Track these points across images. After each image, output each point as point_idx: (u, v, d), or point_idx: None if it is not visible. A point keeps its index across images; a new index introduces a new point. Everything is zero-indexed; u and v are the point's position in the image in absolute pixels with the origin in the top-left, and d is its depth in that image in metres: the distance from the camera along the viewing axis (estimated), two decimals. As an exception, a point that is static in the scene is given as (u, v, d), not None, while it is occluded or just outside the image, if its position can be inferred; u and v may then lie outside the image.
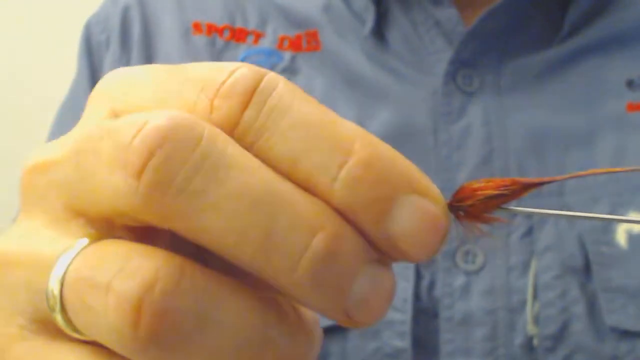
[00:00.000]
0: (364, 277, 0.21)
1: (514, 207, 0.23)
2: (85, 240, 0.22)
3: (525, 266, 0.48)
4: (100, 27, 0.59)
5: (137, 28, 0.57)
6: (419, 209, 0.21)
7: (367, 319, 0.22)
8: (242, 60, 0.55)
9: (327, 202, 0.21)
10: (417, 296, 0.47)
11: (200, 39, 0.56)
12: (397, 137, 0.51)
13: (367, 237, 0.22)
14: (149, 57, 0.57)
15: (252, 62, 0.55)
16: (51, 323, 0.22)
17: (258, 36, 0.56)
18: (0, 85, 1.41)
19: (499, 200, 0.23)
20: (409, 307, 0.47)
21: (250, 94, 0.22)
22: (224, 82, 0.22)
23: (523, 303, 0.47)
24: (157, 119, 0.21)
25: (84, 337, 0.22)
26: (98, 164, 0.22)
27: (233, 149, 0.21)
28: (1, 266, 0.24)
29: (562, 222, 0.48)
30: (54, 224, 0.23)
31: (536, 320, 0.46)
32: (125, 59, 0.57)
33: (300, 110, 0.22)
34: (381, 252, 0.22)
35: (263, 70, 0.22)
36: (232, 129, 0.22)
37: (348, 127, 0.22)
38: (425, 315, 0.47)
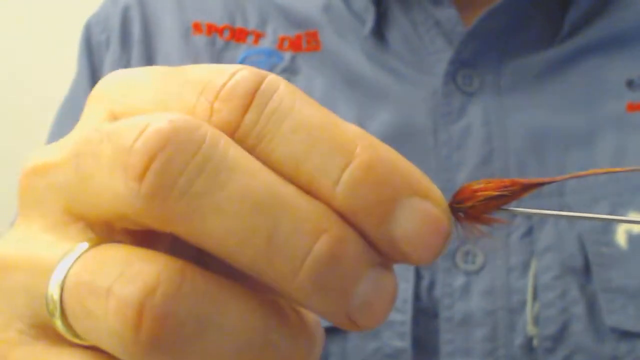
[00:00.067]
0: (366, 281, 0.21)
1: (514, 207, 0.23)
2: (85, 245, 0.22)
3: (525, 266, 0.48)
4: (101, 27, 0.59)
5: (137, 28, 0.57)
6: (421, 211, 0.21)
7: (370, 322, 0.22)
8: (242, 60, 0.55)
9: (329, 205, 0.21)
10: (417, 296, 0.47)
11: (200, 39, 0.56)
12: (397, 137, 0.51)
13: (369, 239, 0.22)
14: (149, 57, 0.57)
15: (252, 62, 0.55)
16: (51, 328, 0.22)
17: (258, 36, 0.56)
18: (0, 85, 1.41)
19: (499, 201, 0.23)
20: (409, 307, 0.47)
21: (251, 97, 0.22)
22: (224, 85, 0.22)
23: (523, 303, 0.47)
24: (159, 122, 0.21)
25: (84, 342, 0.22)
26: (98, 167, 0.21)
27: (235, 152, 0.21)
28: (0, 271, 0.23)
29: (562, 223, 0.48)
30: (53, 227, 0.23)
31: (536, 320, 0.46)
32: (125, 59, 0.57)
33: (301, 112, 0.22)
34: (383, 255, 0.22)
35: (263, 72, 0.22)
36: (233, 132, 0.22)
37: (349, 130, 0.22)
38: (425, 315, 0.47)
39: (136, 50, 0.57)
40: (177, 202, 0.20)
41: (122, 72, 0.25)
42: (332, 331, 0.45)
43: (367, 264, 0.21)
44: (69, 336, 0.22)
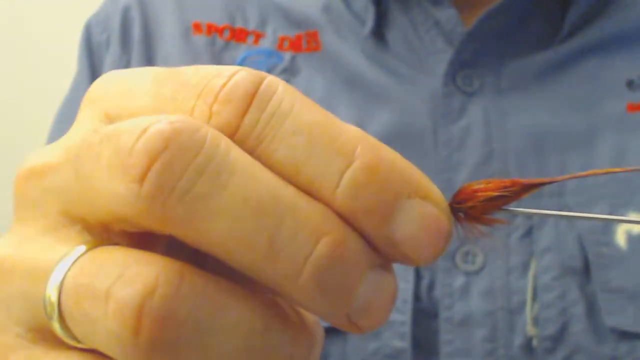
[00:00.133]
0: (367, 282, 0.21)
1: (514, 208, 0.23)
2: (83, 247, 0.22)
3: (525, 267, 0.48)
4: (101, 27, 0.59)
5: (137, 28, 0.57)
6: (422, 212, 0.21)
7: (371, 324, 0.22)
8: (242, 60, 0.55)
9: (330, 206, 0.21)
10: (417, 297, 0.47)
11: (200, 39, 0.56)
12: (397, 138, 0.51)
13: (369, 240, 0.22)
14: (149, 58, 0.57)
15: (252, 62, 0.55)
16: (49, 331, 0.22)
17: (258, 36, 0.56)
18: (0, 85, 1.41)
19: (499, 201, 0.23)
20: (408, 307, 0.47)
21: (250, 99, 0.22)
22: (222, 87, 0.22)
23: (523, 304, 0.47)
24: (159, 123, 0.20)
25: (82, 345, 0.22)
26: (98, 169, 0.21)
27: (236, 153, 0.21)
28: None
29: (561, 223, 0.48)
30: (50, 230, 0.23)
31: (536, 321, 0.46)
32: (125, 59, 0.57)
33: (300, 114, 0.21)
34: (383, 255, 0.22)
35: (262, 73, 0.22)
36: (232, 134, 0.21)
37: (349, 131, 0.22)
38: (425, 315, 0.47)
39: (136, 51, 0.57)
40: (178, 204, 0.20)
41: (116, 74, 0.25)
42: (331, 331, 0.45)
43: (368, 266, 0.21)
44: (67, 339, 0.22)
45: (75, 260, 0.21)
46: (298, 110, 0.22)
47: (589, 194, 0.49)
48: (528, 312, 0.46)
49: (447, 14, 0.53)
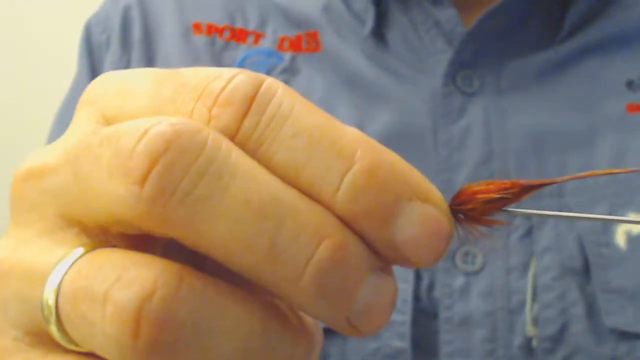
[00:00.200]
0: (367, 286, 0.21)
1: (513, 208, 0.23)
2: (80, 250, 0.22)
3: (525, 267, 0.48)
4: (101, 27, 0.59)
5: (137, 28, 0.57)
6: (422, 215, 0.21)
7: (371, 327, 0.22)
8: (242, 60, 0.55)
9: (330, 209, 0.21)
10: (416, 297, 0.47)
11: (200, 39, 0.56)
12: (397, 138, 0.51)
13: (370, 243, 0.22)
14: (149, 58, 0.57)
15: (252, 63, 0.55)
16: (46, 335, 0.22)
17: (258, 36, 0.56)
18: (0, 86, 1.41)
19: (499, 203, 0.23)
20: (408, 307, 0.47)
21: (250, 102, 0.21)
22: (222, 91, 0.22)
23: (522, 304, 0.47)
24: (160, 125, 0.20)
25: (80, 349, 0.22)
26: (97, 171, 0.21)
27: (237, 155, 0.21)
28: None
29: (561, 223, 0.48)
30: (48, 233, 0.23)
31: (535, 321, 0.46)
32: (125, 59, 0.57)
33: (300, 116, 0.21)
34: (383, 258, 0.22)
35: (261, 75, 0.22)
36: (232, 137, 0.21)
37: (349, 133, 0.22)
38: (424, 316, 0.47)
39: (136, 51, 0.57)
40: (179, 206, 0.20)
41: (113, 75, 0.25)
42: (331, 332, 0.45)
43: (368, 269, 0.21)
44: (64, 343, 0.22)
45: (73, 263, 0.21)
46: (298, 113, 0.21)
47: (589, 195, 0.49)
48: (528, 313, 0.46)
49: (447, 14, 0.53)
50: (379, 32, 0.55)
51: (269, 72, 0.55)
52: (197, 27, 0.57)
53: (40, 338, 0.22)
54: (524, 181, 0.23)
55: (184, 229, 0.20)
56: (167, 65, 0.56)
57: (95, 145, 0.21)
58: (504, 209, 0.23)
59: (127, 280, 0.20)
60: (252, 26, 0.56)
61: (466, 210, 0.23)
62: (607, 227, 0.47)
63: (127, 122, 0.22)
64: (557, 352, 0.45)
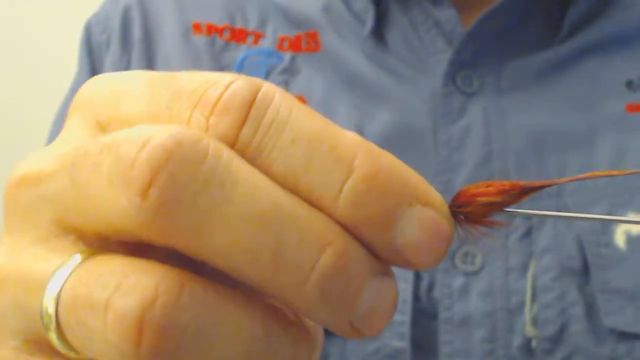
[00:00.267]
0: (369, 290, 0.21)
1: (513, 209, 0.23)
2: (79, 257, 0.21)
3: (524, 267, 0.48)
4: (101, 27, 0.59)
5: (137, 28, 0.57)
6: (423, 219, 0.21)
7: (373, 330, 0.22)
8: (242, 60, 0.55)
9: (331, 216, 0.21)
10: (416, 297, 0.47)
11: (200, 39, 0.56)
12: (397, 138, 0.51)
13: (371, 248, 0.22)
14: (149, 58, 0.57)
15: (252, 63, 0.55)
16: (46, 342, 0.22)
17: (258, 37, 0.56)
18: (0, 85, 1.41)
19: (498, 205, 0.23)
20: (408, 308, 0.47)
21: (247, 109, 0.21)
22: (219, 98, 0.22)
23: (522, 304, 0.47)
24: (161, 135, 0.20)
25: (81, 357, 0.22)
26: (96, 179, 0.21)
27: (238, 164, 0.21)
28: None
29: (560, 224, 0.48)
30: (44, 240, 0.22)
31: (535, 321, 0.46)
32: (125, 60, 0.57)
33: (298, 123, 0.21)
34: (384, 261, 0.22)
35: (258, 81, 0.22)
36: (231, 146, 0.21)
37: (347, 138, 0.21)
38: (424, 316, 0.47)
39: (136, 51, 0.57)
40: (182, 218, 0.20)
41: (105, 78, 0.24)
42: (331, 332, 0.45)
43: (370, 273, 0.21)
44: (64, 350, 0.22)
45: (72, 271, 0.21)
46: (296, 118, 0.21)
47: (588, 195, 0.49)
48: (527, 313, 0.47)
49: (446, 14, 0.53)
50: (378, 32, 0.55)
51: (269, 72, 0.55)
52: (197, 27, 0.57)
53: (39, 346, 0.22)
54: (523, 183, 0.23)
55: (186, 240, 0.20)
56: (167, 65, 0.56)
57: (93, 153, 0.21)
58: (503, 209, 0.23)
59: (127, 288, 0.20)
60: (252, 26, 0.56)
61: (466, 213, 0.23)
62: (607, 227, 0.47)
63: (125, 129, 0.21)
64: (556, 353, 0.46)
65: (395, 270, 0.23)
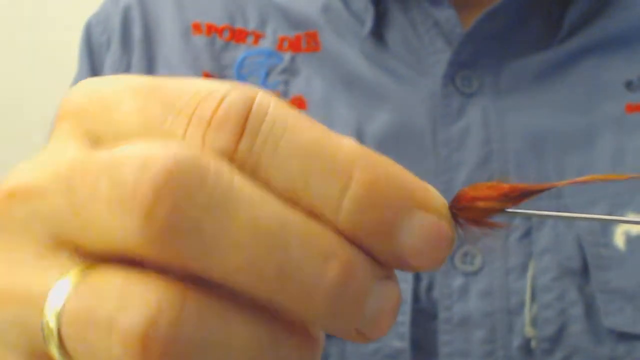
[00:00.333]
0: (374, 295, 0.21)
1: (513, 209, 0.23)
2: (77, 271, 0.21)
3: (524, 268, 0.48)
4: (101, 27, 0.59)
5: (137, 28, 0.57)
6: (424, 225, 0.21)
7: (378, 332, 0.22)
8: (242, 60, 0.55)
9: (334, 227, 0.21)
10: (416, 297, 0.48)
11: (200, 40, 0.56)
12: (396, 138, 0.51)
13: (373, 254, 0.22)
14: (149, 58, 0.57)
15: (252, 63, 0.55)
16: (46, 356, 0.22)
17: (258, 37, 0.56)
18: (0, 85, 1.41)
19: (499, 209, 0.23)
20: (408, 308, 0.47)
21: (243, 124, 0.21)
22: (214, 113, 0.21)
23: (521, 305, 0.47)
24: (161, 156, 0.20)
25: None
26: (96, 204, 0.21)
27: (239, 182, 0.20)
28: None
29: (560, 224, 0.48)
30: (40, 255, 0.22)
31: (534, 322, 0.46)
32: (126, 60, 0.57)
33: (294, 134, 0.21)
34: (386, 265, 0.22)
35: (251, 91, 0.22)
36: (229, 162, 0.21)
37: (345, 147, 0.21)
38: (424, 316, 0.47)
39: (137, 51, 0.57)
40: (186, 241, 0.20)
41: (93, 86, 0.24)
42: (330, 332, 0.45)
43: (374, 279, 0.21)
44: None
45: (72, 286, 0.21)
46: (291, 130, 0.21)
47: (588, 195, 0.49)
48: (527, 313, 0.47)
49: (446, 14, 0.53)
50: (378, 32, 0.55)
51: (268, 73, 0.55)
52: (197, 27, 0.57)
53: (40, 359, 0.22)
54: (523, 186, 0.23)
55: (191, 262, 0.20)
56: (168, 65, 0.56)
57: (91, 174, 0.21)
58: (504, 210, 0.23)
59: (130, 304, 0.20)
60: (251, 26, 0.56)
61: (466, 215, 0.23)
62: (606, 227, 0.47)
63: (120, 147, 0.21)
64: (555, 353, 0.46)
65: (395, 270, 0.23)
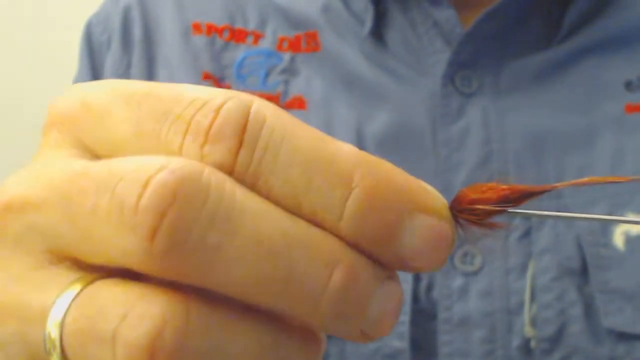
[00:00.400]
0: (377, 296, 0.22)
1: (513, 209, 0.23)
2: (78, 285, 0.21)
3: (523, 268, 0.48)
4: (101, 27, 0.59)
5: (138, 28, 0.57)
6: (425, 227, 0.22)
7: (382, 332, 0.22)
8: (242, 60, 0.55)
9: (336, 234, 0.21)
10: (415, 297, 0.48)
11: (200, 40, 0.56)
12: (396, 138, 0.51)
13: (375, 257, 0.22)
14: (150, 58, 0.57)
15: (252, 63, 0.55)
16: None
17: (257, 37, 0.56)
18: (0, 85, 1.41)
19: (499, 211, 0.23)
20: (407, 308, 0.47)
21: (241, 134, 0.21)
22: (211, 124, 0.21)
23: (521, 305, 0.47)
24: (162, 174, 0.20)
25: None
26: (95, 222, 0.20)
27: (241, 195, 0.20)
28: None
29: (560, 224, 0.48)
30: (38, 268, 0.22)
31: (534, 322, 0.46)
32: (126, 60, 0.57)
33: (293, 142, 0.21)
34: (388, 266, 0.22)
35: (248, 99, 0.21)
36: (229, 174, 0.21)
37: (344, 153, 0.21)
38: (423, 316, 0.47)
39: (137, 51, 0.57)
40: (192, 256, 0.20)
41: (81, 92, 0.23)
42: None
43: (377, 281, 0.22)
44: None
45: (74, 299, 0.21)
46: (289, 139, 0.21)
47: (588, 195, 0.49)
48: (526, 313, 0.47)
49: (445, 15, 0.53)
50: (378, 32, 0.55)
51: (268, 73, 0.55)
52: (196, 27, 0.57)
53: None
54: (522, 187, 0.23)
55: (197, 277, 0.20)
56: (168, 65, 0.56)
57: (89, 191, 0.21)
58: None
59: (134, 317, 0.20)
60: (251, 26, 0.56)
61: (467, 216, 0.23)
62: (606, 228, 0.47)
63: (118, 161, 0.21)
64: (555, 353, 0.46)
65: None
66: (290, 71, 0.55)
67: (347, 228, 0.21)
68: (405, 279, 0.47)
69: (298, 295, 0.21)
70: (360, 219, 0.21)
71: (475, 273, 0.48)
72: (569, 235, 0.48)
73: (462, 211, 0.23)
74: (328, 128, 0.51)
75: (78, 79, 0.59)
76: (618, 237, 0.47)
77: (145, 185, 0.20)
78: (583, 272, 0.47)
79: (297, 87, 0.54)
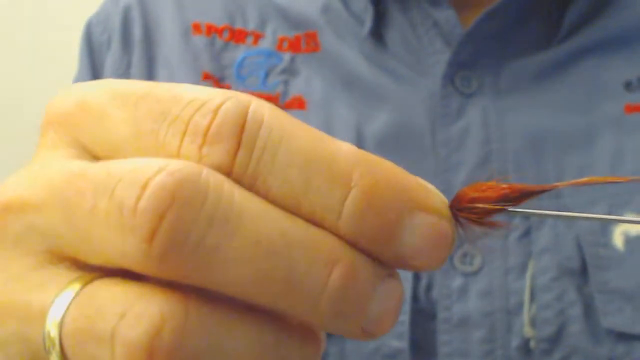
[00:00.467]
0: (378, 295, 0.22)
1: (513, 209, 0.24)
2: (77, 284, 0.21)
3: (523, 268, 0.48)
4: (101, 27, 0.59)
5: (138, 28, 0.57)
6: (426, 226, 0.22)
7: (383, 330, 0.22)
8: (242, 60, 0.55)
9: (335, 233, 0.21)
10: (415, 297, 0.48)
11: (200, 40, 0.56)
12: (396, 138, 0.51)
13: (375, 256, 0.22)
14: (150, 58, 0.57)
15: (252, 63, 0.55)
16: None
17: (257, 37, 0.56)
18: (0, 85, 1.41)
19: (499, 210, 0.23)
20: (407, 308, 0.47)
21: (239, 135, 0.21)
22: (209, 125, 0.21)
23: (520, 305, 0.47)
24: (160, 176, 0.20)
25: None
26: (94, 224, 0.20)
27: (239, 196, 0.20)
28: None
29: (559, 224, 0.48)
30: (38, 268, 0.22)
31: (533, 322, 0.46)
32: (126, 60, 0.57)
33: (291, 142, 0.21)
34: (388, 265, 0.22)
35: (245, 99, 0.21)
36: (227, 175, 0.21)
37: (342, 153, 0.21)
38: (423, 316, 0.47)
39: (137, 51, 0.57)
40: (191, 258, 0.20)
41: (79, 92, 0.23)
42: (330, 331, 0.45)
43: (377, 279, 0.22)
44: None
45: (72, 299, 0.21)
46: (289, 137, 0.21)
47: (588, 195, 0.49)
48: (526, 313, 0.47)
49: (445, 15, 0.53)
50: (377, 33, 0.55)
51: (268, 73, 0.55)
52: (196, 27, 0.57)
53: None
54: (522, 186, 0.23)
55: (196, 278, 0.20)
56: (168, 65, 0.56)
57: (87, 193, 0.21)
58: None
59: (133, 316, 0.20)
60: (251, 27, 0.56)
61: (467, 215, 0.23)
62: (605, 228, 0.48)
63: (117, 163, 0.21)
64: (554, 353, 0.46)
65: None
66: (290, 71, 0.55)
67: (346, 227, 0.21)
68: (405, 279, 0.47)
69: (298, 295, 0.21)
70: (359, 218, 0.21)
71: (474, 273, 0.48)
72: (569, 235, 0.48)
73: (462, 210, 0.23)
74: (328, 128, 0.51)
75: (78, 79, 0.60)
76: (617, 237, 0.47)
77: (144, 187, 0.20)
78: (582, 272, 0.47)
79: (296, 88, 0.54)
